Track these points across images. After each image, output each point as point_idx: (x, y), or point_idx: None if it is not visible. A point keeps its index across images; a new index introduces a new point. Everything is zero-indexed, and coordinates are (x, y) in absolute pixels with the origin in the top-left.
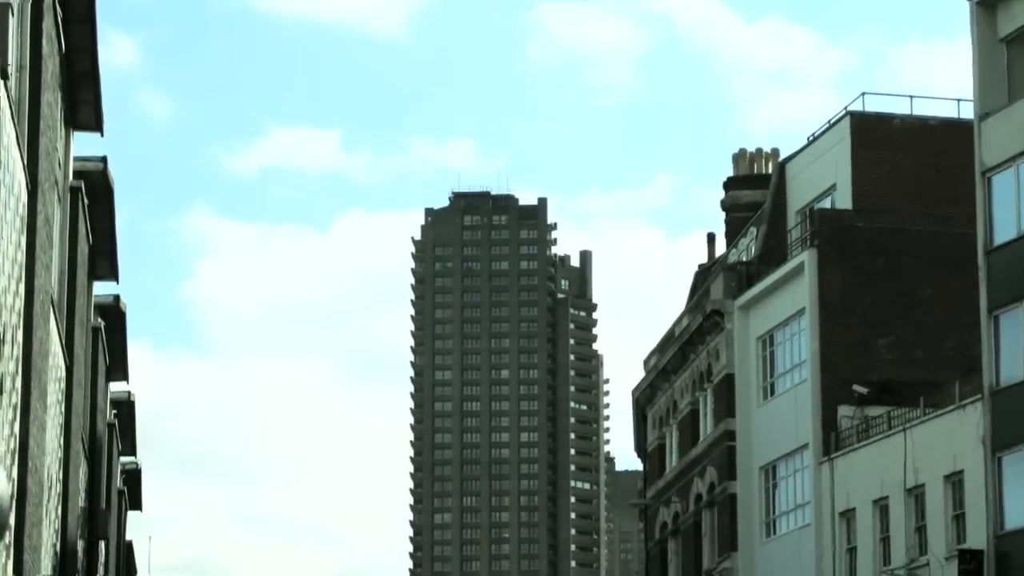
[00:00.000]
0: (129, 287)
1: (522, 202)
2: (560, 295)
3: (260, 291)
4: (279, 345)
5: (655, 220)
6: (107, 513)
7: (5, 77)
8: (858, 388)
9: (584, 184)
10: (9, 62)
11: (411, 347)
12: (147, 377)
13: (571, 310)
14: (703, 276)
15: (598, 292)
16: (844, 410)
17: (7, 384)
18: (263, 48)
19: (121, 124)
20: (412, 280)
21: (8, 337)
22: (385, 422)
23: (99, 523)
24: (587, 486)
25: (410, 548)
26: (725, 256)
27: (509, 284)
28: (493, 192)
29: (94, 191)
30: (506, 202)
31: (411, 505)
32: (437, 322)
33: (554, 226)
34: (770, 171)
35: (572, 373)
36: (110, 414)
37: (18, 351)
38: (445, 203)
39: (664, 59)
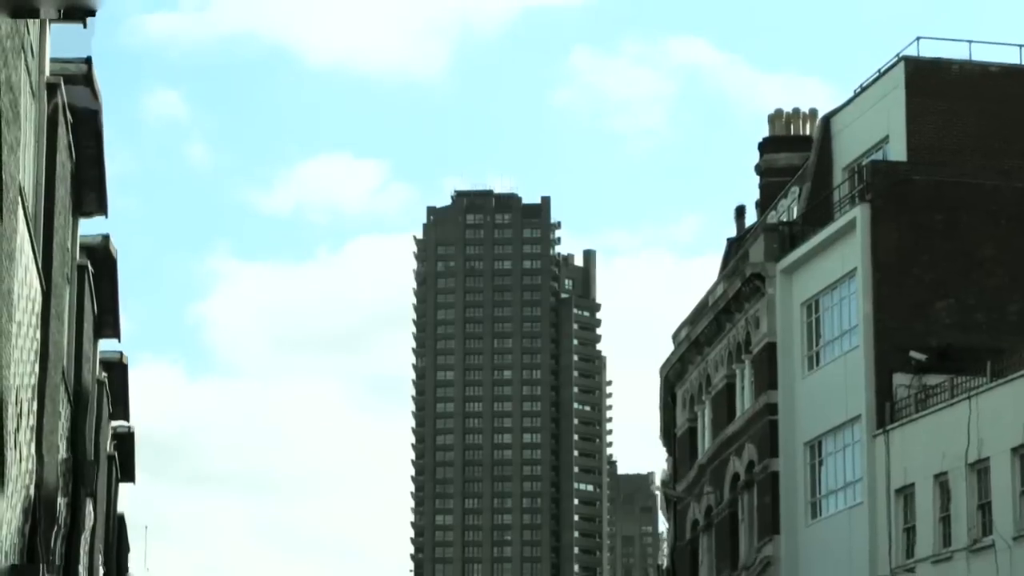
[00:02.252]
0: (146, 311)
1: (525, 201)
2: (564, 295)
3: (271, 313)
4: (289, 364)
5: (673, 248)
6: (93, 467)
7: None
8: (915, 355)
9: (611, 223)
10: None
11: (412, 347)
12: (162, 397)
13: (575, 310)
14: (735, 246)
15: (602, 292)
16: (900, 378)
17: None
18: (301, 93)
19: (165, 169)
20: (414, 280)
21: None
22: (386, 422)
23: (84, 475)
24: (590, 488)
25: (411, 550)
26: (764, 218)
27: (512, 284)
28: (496, 191)
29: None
30: (509, 201)
31: (412, 507)
32: (439, 322)
33: (557, 225)
34: (808, 133)
35: (576, 374)
36: (99, 370)
37: None
38: (447, 202)
39: (689, 106)
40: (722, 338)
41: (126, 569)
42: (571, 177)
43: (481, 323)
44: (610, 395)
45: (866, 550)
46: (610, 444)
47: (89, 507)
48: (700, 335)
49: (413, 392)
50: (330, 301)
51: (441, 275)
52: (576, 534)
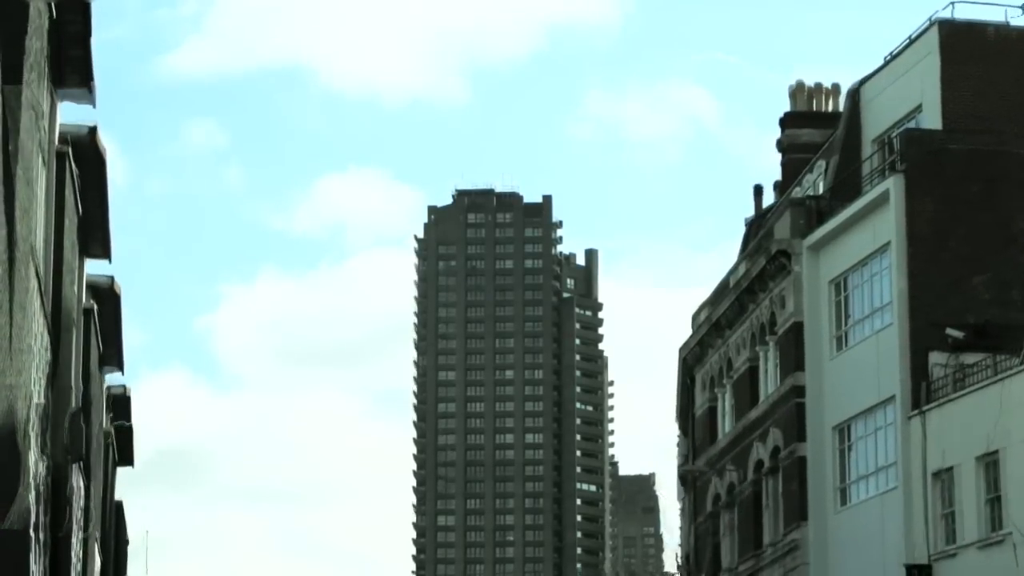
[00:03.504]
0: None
1: (527, 199)
2: (565, 294)
3: (276, 326)
4: (295, 377)
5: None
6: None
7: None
8: (952, 332)
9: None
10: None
11: (414, 346)
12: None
13: (576, 309)
14: (754, 226)
15: (603, 292)
16: (936, 357)
17: None
18: (311, 116)
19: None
20: (415, 279)
21: None
22: (392, 429)
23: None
24: (592, 488)
25: (413, 550)
26: (788, 193)
27: (513, 283)
28: (497, 189)
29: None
30: (510, 199)
31: (414, 506)
32: (440, 321)
33: (559, 224)
34: (831, 108)
35: (578, 374)
36: (86, 296)
37: None
38: (448, 201)
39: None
40: (744, 319)
41: (124, 559)
42: (572, 176)
43: (482, 323)
44: (612, 395)
45: (901, 536)
46: (612, 445)
47: (79, 481)
48: (721, 317)
49: (414, 391)
50: (335, 313)
51: (442, 274)
52: (579, 534)
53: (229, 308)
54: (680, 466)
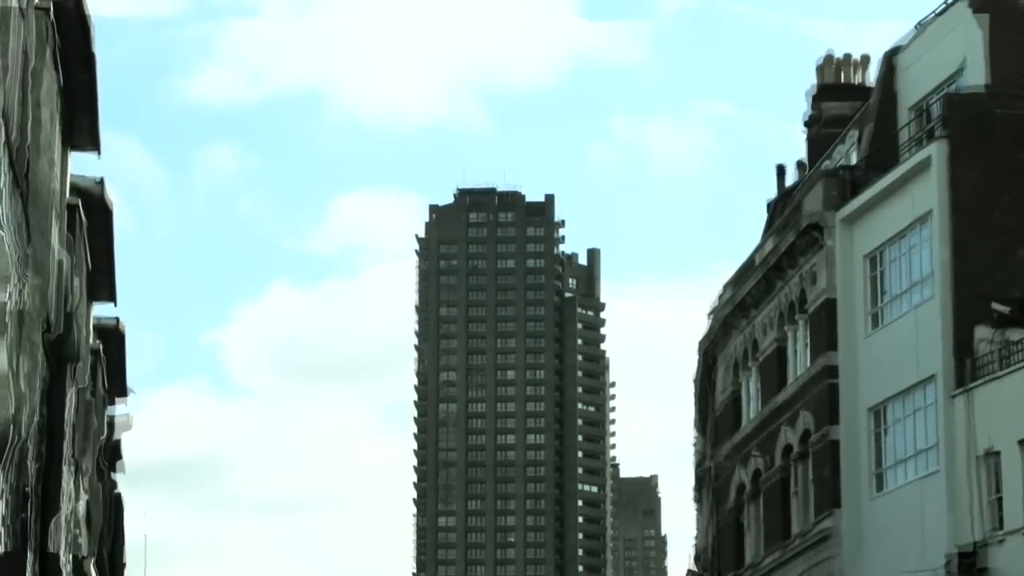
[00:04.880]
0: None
1: (529, 199)
2: (567, 294)
3: (284, 340)
4: (303, 391)
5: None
6: (68, 336)
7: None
8: (998, 307)
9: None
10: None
11: (415, 346)
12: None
13: (579, 309)
14: (778, 207)
15: (606, 292)
16: (981, 332)
17: None
18: (328, 140)
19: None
20: (416, 278)
21: None
22: (396, 434)
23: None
24: (594, 489)
25: (413, 551)
26: (818, 166)
27: (515, 283)
28: (499, 188)
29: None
30: (512, 199)
31: (415, 500)
32: (441, 321)
33: (562, 223)
34: (861, 81)
35: (580, 374)
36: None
37: None
38: (450, 200)
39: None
40: (772, 298)
41: (121, 555)
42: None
43: (484, 322)
44: (613, 396)
45: (943, 522)
46: (613, 446)
47: (71, 397)
48: (746, 296)
49: (415, 388)
50: (344, 326)
51: (443, 273)
52: (581, 536)
53: (239, 322)
54: (697, 466)
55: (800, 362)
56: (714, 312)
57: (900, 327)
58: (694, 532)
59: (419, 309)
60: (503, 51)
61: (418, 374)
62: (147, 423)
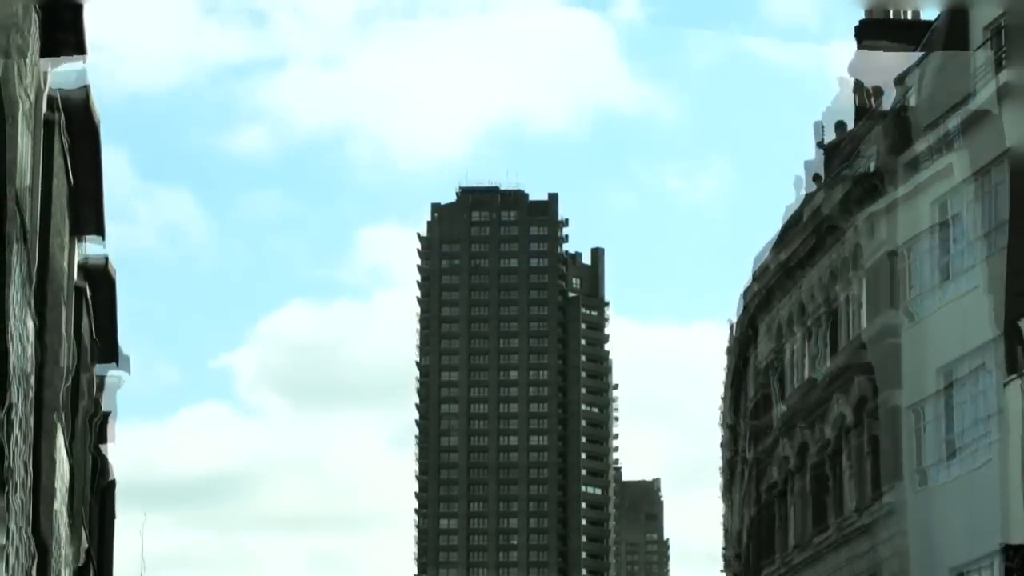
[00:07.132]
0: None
1: (532, 197)
2: (571, 294)
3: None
4: (316, 411)
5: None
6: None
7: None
8: None
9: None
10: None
11: (416, 346)
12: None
13: (582, 309)
14: (825, 161)
15: (610, 292)
16: None
17: None
18: (350, 178)
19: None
20: (418, 277)
21: None
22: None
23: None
24: (597, 491)
25: (415, 553)
26: (877, 107)
27: (518, 282)
28: (502, 187)
29: None
30: (515, 197)
31: (416, 509)
32: (443, 320)
33: (565, 222)
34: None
35: (583, 374)
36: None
37: None
38: (452, 198)
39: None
40: (823, 255)
41: (111, 536)
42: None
43: (486, 322)
44: (616, 399)
45: None
46: (616, 449)
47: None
48: (791, 257)
49: (416, 388)
50: (357, 347)
51: (446, 272)
52: (584, 539)
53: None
54: (725, 447)
55: (855, 323)
56: (753, 277)
57: (970, 281)
58: (694, 534)
59: (421, 307)
60: (527, 101)
61: (418, 379)
62: (160, 444)
